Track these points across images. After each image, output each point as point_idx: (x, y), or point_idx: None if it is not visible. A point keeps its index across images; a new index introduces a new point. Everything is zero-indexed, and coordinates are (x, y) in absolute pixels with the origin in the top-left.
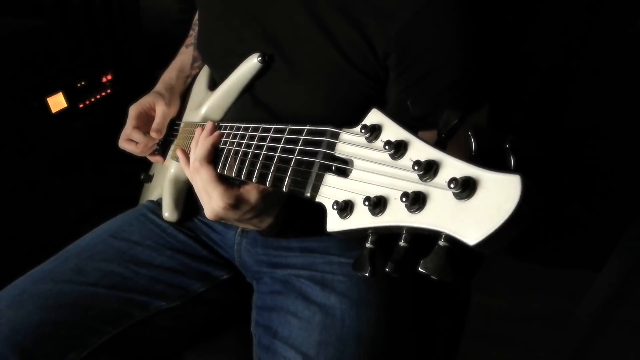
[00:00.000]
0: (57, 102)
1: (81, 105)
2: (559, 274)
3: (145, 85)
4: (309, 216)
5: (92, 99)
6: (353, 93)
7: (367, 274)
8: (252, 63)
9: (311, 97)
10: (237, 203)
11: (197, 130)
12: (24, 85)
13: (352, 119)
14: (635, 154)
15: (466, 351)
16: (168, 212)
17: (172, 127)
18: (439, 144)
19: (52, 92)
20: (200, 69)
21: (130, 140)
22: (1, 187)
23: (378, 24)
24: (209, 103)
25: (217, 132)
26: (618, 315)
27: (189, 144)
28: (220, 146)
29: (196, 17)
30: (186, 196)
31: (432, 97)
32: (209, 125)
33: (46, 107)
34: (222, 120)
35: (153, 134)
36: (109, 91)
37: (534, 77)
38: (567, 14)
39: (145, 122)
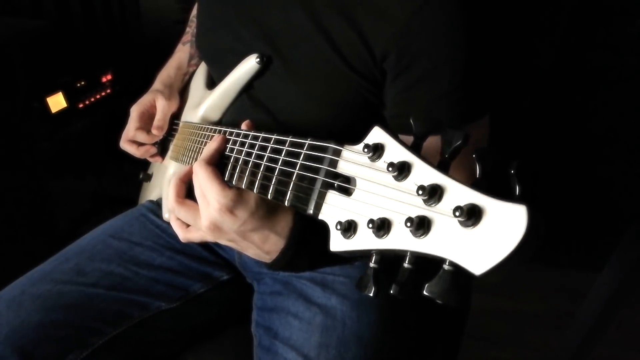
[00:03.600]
0: (56, 102)
1: (81, 105)
2: (559, 274)
3: (145, 85)
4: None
5: (92, 99)
6: (350, 95)
7: (371, 294)
8: (250, 64)
9: (308, 98)
10: (233, 205)
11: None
12: (24, 85)
13: (350, 122)
14: (636, 155)
15: (466, 351)
16: (168, 213)
17: (171, 126)
18: (442, 166)
19: (52, 92)
20: (197, 66)
21: (132, 142)
22: (1, 187)
23: (376, 25)
24: (207, 103)
25: (220, 137)
26: (618, 316)
27: (187, 144)
28: (227, 153)
29: (193, 13)
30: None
31: (431, 100)
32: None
33: (46, 107)
34: (221, 120)
35: (154, 131)
36: (108, 91)
37: (534, 79)
38: (567, 14)
39: (147, 121)
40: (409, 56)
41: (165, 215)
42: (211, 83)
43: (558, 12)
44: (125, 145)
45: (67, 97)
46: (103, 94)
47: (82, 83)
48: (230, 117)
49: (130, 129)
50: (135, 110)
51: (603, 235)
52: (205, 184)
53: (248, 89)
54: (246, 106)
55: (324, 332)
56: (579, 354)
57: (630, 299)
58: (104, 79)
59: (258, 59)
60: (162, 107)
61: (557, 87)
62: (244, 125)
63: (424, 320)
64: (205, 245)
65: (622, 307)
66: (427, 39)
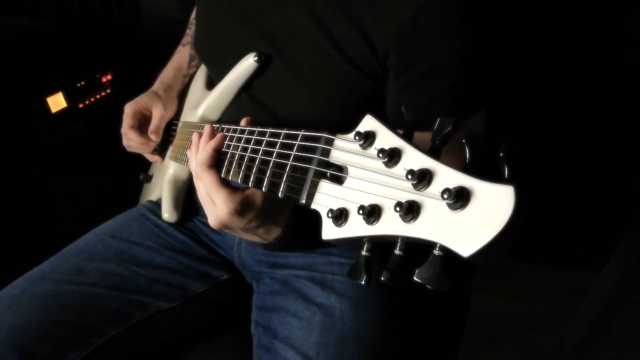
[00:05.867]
0: (56, 102)
1: (81, 105)
2: (559, 274)
3: (145, 85)
4: (316, 228)
5: (92, 99)
6: (352, 92)
7: (362, 282)
8: (248, 63)
9: (310, 97)
10: (242, 208)
11: (195, 136)
12: (24, 85)
13: (351, 119)
14: (636, 154)
15: (466, 351)
16: (167, 213)
17: (170, 127)
18: (433, 152)
19: (52, 92)
20: (197, 67)
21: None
22: (1, 187)
23: (378, 23)
24: (206, 103)
25: (219, 136)
26: (618, 316)
27: (187, 144)
28: (224, 150)
29: (193, 15)
30: (185, 196)
31: (431, 97)
32: (207, 129)
33: (46, 107)
34: (220, 120)
35: (152, 136)
36: (108, 91)
37: (533, 79)
38: (567, 14)
39: (141, 121)
40: (410, 54)
41: (165, 215)
42: (210, 84)
43: (558, 11)
44: (124, 140)
45: (67, 97)
46: (103, 94)
47: (82, 83)
48: (230, 117)
49: (125, 127)
50: (129, 108)
51: (603, 235)
52: (212, 189)
53: (248, 88)
54: (246, 105)
55: (323, 331)
56: (579, 354)
57: (630, 299)
58: (104, 79)
59: (256, 58)
60: (160, 115)
61: (557, 87)
62: (243, 122)
63: (423, 319)
64: (204, 245)
65: (622, 307)
66: (429, 38)
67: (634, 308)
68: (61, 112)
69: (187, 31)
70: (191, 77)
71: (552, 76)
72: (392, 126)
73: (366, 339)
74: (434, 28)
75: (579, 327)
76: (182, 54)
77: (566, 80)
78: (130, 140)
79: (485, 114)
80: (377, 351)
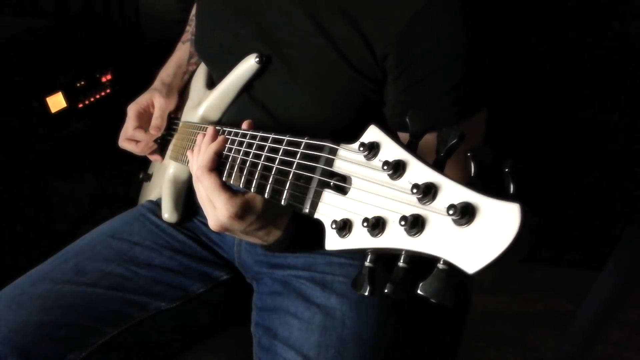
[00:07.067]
0: (56, 102)
1: (80, 105)
2: (559, 274)
3: (145, 85)
4: (317, 230)
5: (92, 99)
6: (352, 94)
7: (366, 294)
8: (249, 63)
9: (309, 98)
10: (242, 212)
11: (199, 137)
12: (24, 85)
13: (351, 121)
14: (636, 154)
15: (467, 351)
16: (168, 213)
17: (171, 125)
18: (438, 164)
19: (52, 91)
20: (197, 65)
21: (131, 140)
22: (1, 187)
23: (377, 25)
24: (206, 103)
25: (221, 138)
26: (618, 316)
27: (187, 144)
28: (225, 153)
29: (193, 12)
30: (185, 197)
31: (431, 98)
32: (210, 131)
33: (45, 107)
34: (220, 120)
35: (153, 131)
36: (108, 91)
37: (534, 79)
38: (567, 14)
39: (146, 120)
40: (410, 57)
41: (165, 216)
42: (211, 83)
43: (558, 12)
44: (124, 143)
45: (67, 97)
46: (103, 94)
47: (82, 83)
48: (230, 117)
49: (129, 129)
50: (132, 110)
51: (603, 235)
52: (212, 193)
53: (248, 89)
54: (246, 106)
55: (323, 332)
56: (579, 354)
57: (631, 300)
58: (103, 79)
59: (257, 59)
60: (160, 106)
61: (557, 87)
62: (244, 125)
63: (423, 320)
64: (204, 245)
65: (622, 307)
66: (428, 41)
67: (634, 308)
68: (61, 112)
69: (187, 28)
70: (191, 75)
71: (551, 76)
72: (396, 137)
73: (366, 339)
74: (433, 31)
75: (579, 327)
76: (182, 51)
77: (565, 80)
78: (138, 139)
79: (486, 113)
80: (378, 352)
